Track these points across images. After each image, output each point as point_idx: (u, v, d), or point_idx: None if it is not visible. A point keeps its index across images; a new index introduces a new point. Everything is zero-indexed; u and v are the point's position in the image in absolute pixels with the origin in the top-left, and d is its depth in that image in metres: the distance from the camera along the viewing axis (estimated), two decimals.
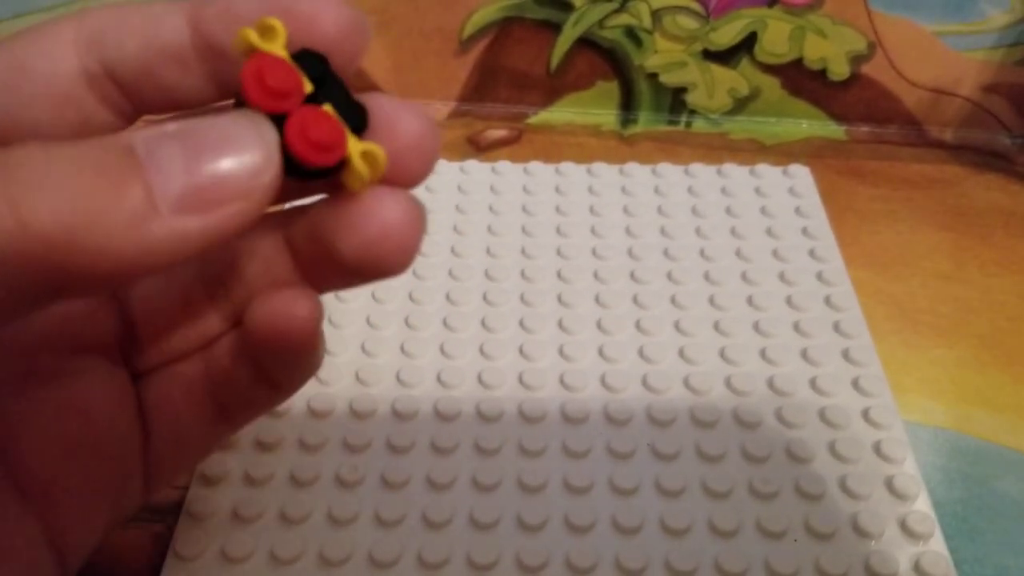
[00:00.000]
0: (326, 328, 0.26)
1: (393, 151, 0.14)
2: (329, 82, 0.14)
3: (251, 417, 0.18)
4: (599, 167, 0.34)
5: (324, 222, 0.15)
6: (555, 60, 0.38)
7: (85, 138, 0.13)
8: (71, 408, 0.16)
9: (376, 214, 0.14)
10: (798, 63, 0.37)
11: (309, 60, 0.14)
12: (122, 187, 0.12)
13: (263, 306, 0.16)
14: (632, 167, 0.34)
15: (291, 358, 0.16)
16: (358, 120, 0.14)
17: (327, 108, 0.14)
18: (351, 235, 0.14)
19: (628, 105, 0.39)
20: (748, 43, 0.37)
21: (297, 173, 0.14)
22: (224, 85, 0.15)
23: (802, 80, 0.37)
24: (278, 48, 0.14)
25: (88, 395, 0.16)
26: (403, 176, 0.15)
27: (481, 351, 0.27)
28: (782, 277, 0.29)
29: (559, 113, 0.39)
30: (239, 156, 0.13)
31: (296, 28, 0.14)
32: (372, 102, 0.14)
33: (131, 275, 0.12)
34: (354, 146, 0.14)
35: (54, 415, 0.16)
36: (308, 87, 0.14)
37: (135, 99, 0.16)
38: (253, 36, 0.14)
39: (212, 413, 0.17)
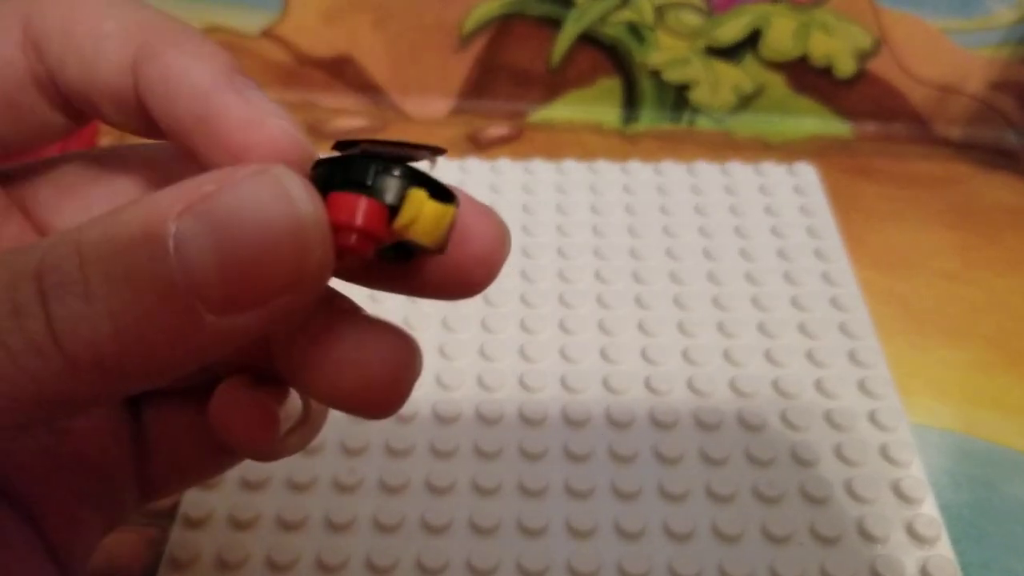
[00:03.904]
0: None
1: (462, 259, 0.13)
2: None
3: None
4: (601, 165, 0.34)
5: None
6: (556, 57, 0.38)
7: (113, 213, 0.11)
8: (58, 430, 0.15)
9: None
10: (803, 60, 0.37)
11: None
12: (162, 300, 0.11)
13: (221, 405, 0.15)
14: (634, 165, 0.34)
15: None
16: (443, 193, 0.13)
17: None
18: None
19: (630, 102, 0.38)
20: (752, 40, 0.36)
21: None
22: (169, 133, 0.14)
23: (807, 77, 0.37)
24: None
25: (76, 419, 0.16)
26: (466, 287, 0.14)
27: (481, 352, 0.27)
28: (787, 277, 0.29)
29: (560, 110, 0.39)
30: (275, 246, 0.11)
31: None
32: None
33: (180, 371, 0.12)
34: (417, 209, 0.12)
35: (41, 433, 0.15)
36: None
37: (83, 112, 0.15)
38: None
39: (214, 443, 0.17)
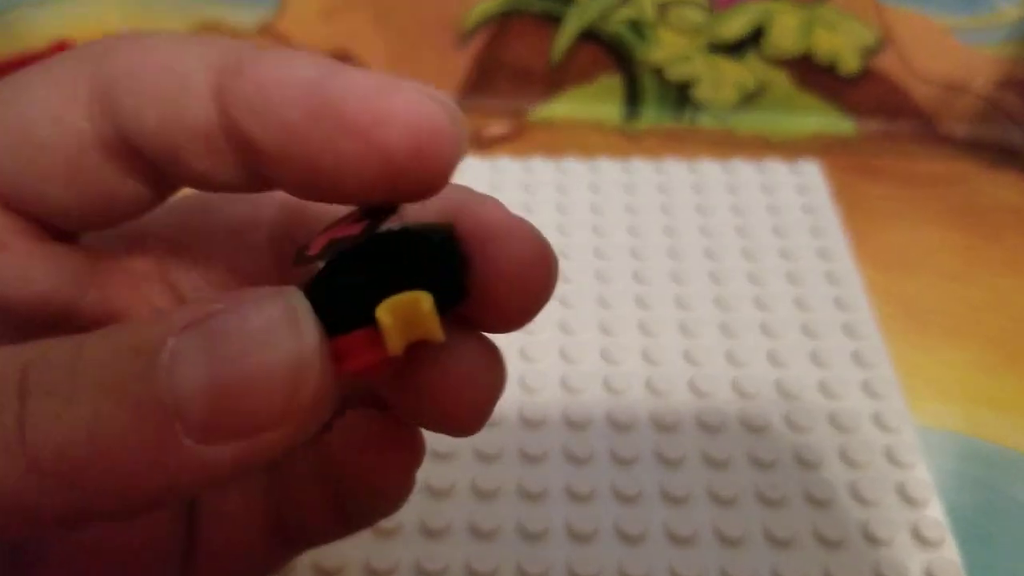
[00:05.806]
0: None
1: (488, 285, 0.12)
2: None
3: (315, 545, 0.16)
4: (602, 163, 0.33)
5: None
6: (557, 53, 0.37)
7: (119, 326, 0.11)
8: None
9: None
10: (807, 57, 0.37)
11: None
12: (143, 415, 0.10)
13: (356, 432, 0.14)
14: (636, 163, 0.33)
15: (379, 495, 0.15)
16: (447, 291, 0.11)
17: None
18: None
19: (632, 100, 0.38)
20: (755, 37, 0.36)
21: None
22: (261, 178, 0.13)
23: (811, 74, 0.37)
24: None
25: None
26: (498, 320, 0.12)
27: None
28: (790, 277, 0.29)
29: (561, 108, 0.38)
30: (268, 374, 0.10)
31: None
32: (472, 217, 0.12)
33: (156, 502, 0.11)
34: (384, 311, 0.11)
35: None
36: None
37: (164, 175, 0.13)
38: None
39: (271, 535, 0.15)
